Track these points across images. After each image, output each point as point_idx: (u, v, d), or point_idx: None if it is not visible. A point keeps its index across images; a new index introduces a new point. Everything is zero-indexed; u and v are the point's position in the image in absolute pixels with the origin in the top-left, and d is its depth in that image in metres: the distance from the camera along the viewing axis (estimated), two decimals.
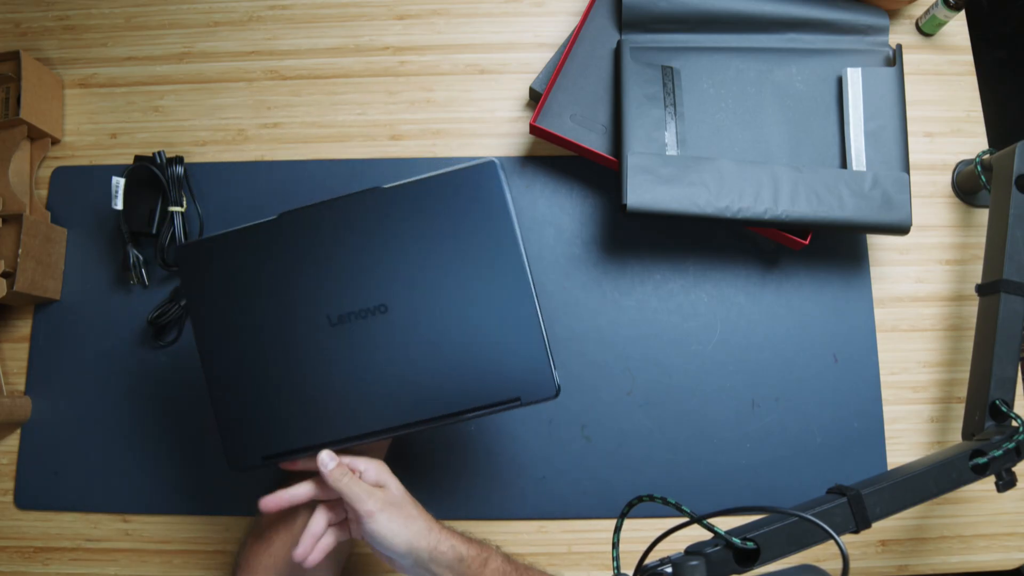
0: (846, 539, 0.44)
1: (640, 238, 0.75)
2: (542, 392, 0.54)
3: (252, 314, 0.56)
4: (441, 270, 0.54)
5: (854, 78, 0.72)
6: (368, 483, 0.54)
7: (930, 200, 0.76)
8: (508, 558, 0.57)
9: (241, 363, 0.56)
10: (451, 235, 0.54)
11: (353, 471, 0.54)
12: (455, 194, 0.54)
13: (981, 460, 0.55)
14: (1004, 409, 0.60)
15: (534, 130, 0.72)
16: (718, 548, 0.43)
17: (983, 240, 0.68)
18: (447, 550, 0.53)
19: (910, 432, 0.71)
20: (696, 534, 0.45)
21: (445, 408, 0.54)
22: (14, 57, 0.75)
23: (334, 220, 0.55)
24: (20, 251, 0.69)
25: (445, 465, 0.70)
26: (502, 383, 0.54)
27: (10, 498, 0.71)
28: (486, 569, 0.54)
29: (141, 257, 0.73)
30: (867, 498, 0.49)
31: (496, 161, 0.54)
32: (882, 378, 0.72)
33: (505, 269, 0.54)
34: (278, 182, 0.76)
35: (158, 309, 0.71)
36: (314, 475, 0.55)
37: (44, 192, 0.77)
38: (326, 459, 0.53)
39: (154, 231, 0.72)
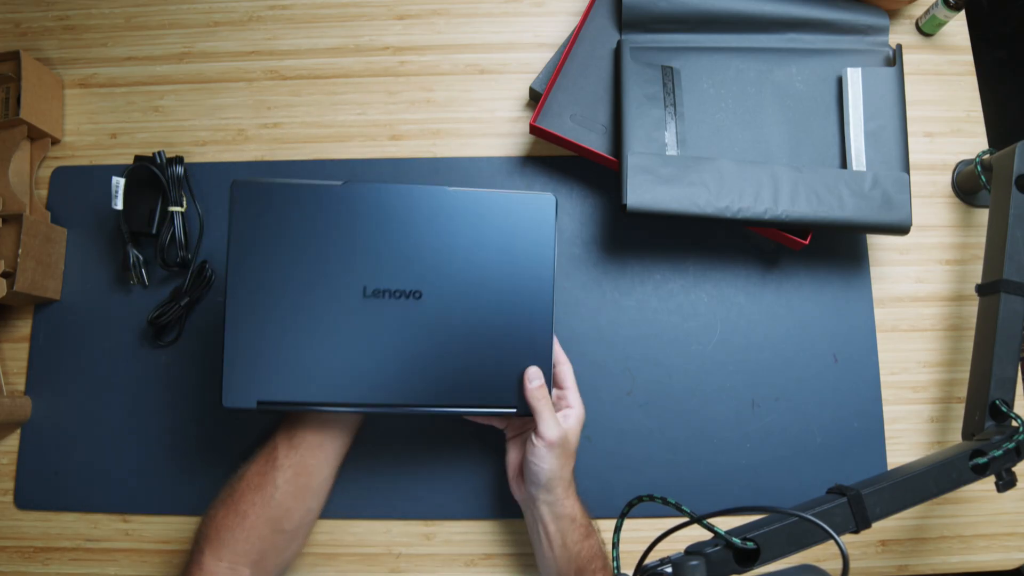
0: (846, 539, 0.44)
1: (640, 238, 0.75)
2: None
3: (290, 265, 0.58)
4: (478, 277, 0.59)
5: (854, 78, 0.72)
6: (561, 422, 0.59)
7: (930, 200, 0.76)
8: (602, 543, 0.61)
9: (264, 307, 0.58)
10: (495, 249, 0.59)
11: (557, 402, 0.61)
12: (509, 214, 0.59)
13: (981, 460, 0.55)
14: (1004, 409, 0.60)
15: (534, 130, 0.72)
16: (718, 548, 0.43)
17: (983, 240, 0.68)
18: (568, 507, 0.59)
19: (910, 432, 0.71)
20: (696, 534, 0.45)
21: (444, 399, 0.59)
22: (14, 57, 0.74)
23: (393, 203, 0.58)
24: (20, 251, 0.69)
25: (445, 464, 0.70)
26: (503, 391, 0.59)
27: (10, 498, 0.71)
28: (587, 540, 0.59)
29: (141, 257, 0.72)
30: (867, 498, 0.49)
31: (554, 199, 0.60)
32: (882, 378, 0.72)
33: (534, 295, 0.59)
34: None
35: (158, 309, 0.71)
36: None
37: (44, 192, 0.77)
38: (534, 375, 0.58)
39: (154, 231, 0.72)
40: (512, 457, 0.63)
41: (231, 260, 0.58)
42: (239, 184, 0.58)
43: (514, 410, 0.59)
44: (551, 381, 0.60)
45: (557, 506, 0.59)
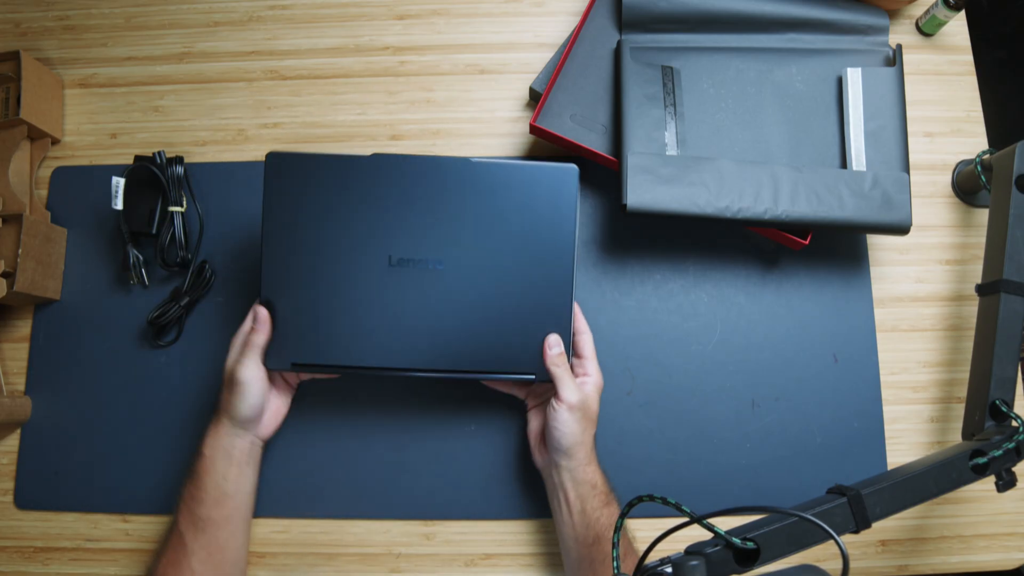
0: (846, 539, 0.44)
1: (640, 238, 0.75)
2: None
3: (320, 234, 0.60)
4: (501, 247, 0.61)
5: (854, 78, 0.72)
6: (579, 383, 0.61)
7: (930, 200, 0.76)
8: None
9: (296, 274, 0.61)
10: (517, 219, 0.61)
11: (575, 371, 0.62)
12: (533, 185, 0.61)
13: (981, 460, 0.55)
14: (1004, 409, 0.60)
15: (534, 130, 0.72)
16: (718, 548, 0.43)
17: (983, 240, 0.68)
18: (589, 473, 0.60)
19: (910, 432, 0.71)
20: (696, 534, 0.44)
21: (466, 365, 0.62)
22: (14, 57, 0.74)
23: (418, 175, 0.60)
24: (20, 251, 0.69)
25: (445, 464, 0.70)
26: (523, 359, 0.61)
27: (10, 498, 0.71)
28: (606, 508, 0.60)
29: (141, 257, 0.72)
30: (867, 498, 0.49)
31: (577, 169, 0.61)
32: (882, 378, 0.72)
33: (555, 265, 0.61)
34: None
35: (158, 309, 0.71)
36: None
37: (44, 192, 0.77)
38: (554, 342, 0.60)
39: (154, 231, 0.72)
40: (534, 425, 0.65)
41: (266, 229, 0.60)
42: (274, 156, 0.60)
43: (533, 376, 0.62)
44: (571, 349, 0.62)
45: (578, 472, 0.60)
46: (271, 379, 0.63)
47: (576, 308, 0.64)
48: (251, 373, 0.60)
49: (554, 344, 0.60)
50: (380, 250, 0.60)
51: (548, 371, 0.60)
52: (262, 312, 0.60)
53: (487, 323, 0.61)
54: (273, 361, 0.61)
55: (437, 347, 0.61)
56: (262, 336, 0.60)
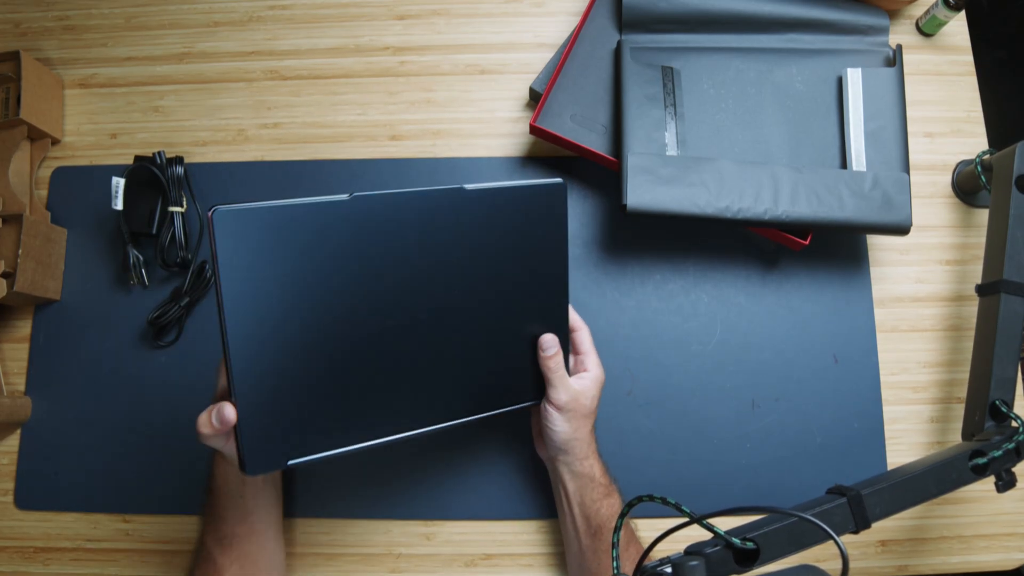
0: (846, 539, 0.44)
1: (640, 238, 0.75)
2: None
3: (296, 302, 0.49)
4: (495, 275, 0.56)
5: (854, 78, 0.72)
6: (575, 383, 0.60)
7: (930, 200, 0.76)
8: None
9: (274, 354, 0.49)
10: (511, 244, 0.56)
11: (573, 368, 0.62)
12: (522, 207, 0.56)
13: (981, 460, 0.55)
14: (1004, 409, 0.60)
15: (534, 130, 0.72)
16: (718, 548, 0.43)
17: (983, 240, 0.68)
18: (587, 467, 0.61)
19: (910, 432, 0.71)
20: (696, 534, 0.44)
21: (471, 409, 0.57)
22: (14, 57, 0.74)
23: (404, 211, 0.51)
24: (20, 251, 0.69)
25: (446, 465, 0.70)
26: (523, 387, 0.60)
27: (10, 498, 0.71)
28: (606, 500, 0.60)
29: (141, 257, 0.72)
30: (867, 498, 0.49)
31: (564, 183, 0.56)
32: (882, 378, 0.72)
33: (551, 280, 0.58)
34: (278, 182, 0.76)
35: (158, 309, 0.71)
36: None
37: (44, 192, 0.77)
38: (547, 343, 0.58)
39: (154, 231, 0.72)
40: (536, 420, 0.65)
41: (227, 311, 0.47)
42: (222, 215, 0.46)
43: (535, 402, 0.60)
44: (568, 348, 0.61)
45: (575, 465, 0.61)
46: None
47: (571, 309, 0.62)
48: (228, 470, 0.57)
49: (548, 346, 0.59)
50: (370, 309, 0.51)
51: (542, 372, 0.59)
52: (228, 413, 0.47)
53: (488, 359, 0.57)
54: (260, 465, 0.50)
55: (441, 398, 0.56)
56: (228, 444, 0.50)
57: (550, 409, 0.59)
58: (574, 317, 0.63)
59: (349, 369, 0.52)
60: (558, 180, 0.56)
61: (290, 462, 0.51)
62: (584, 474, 0.61)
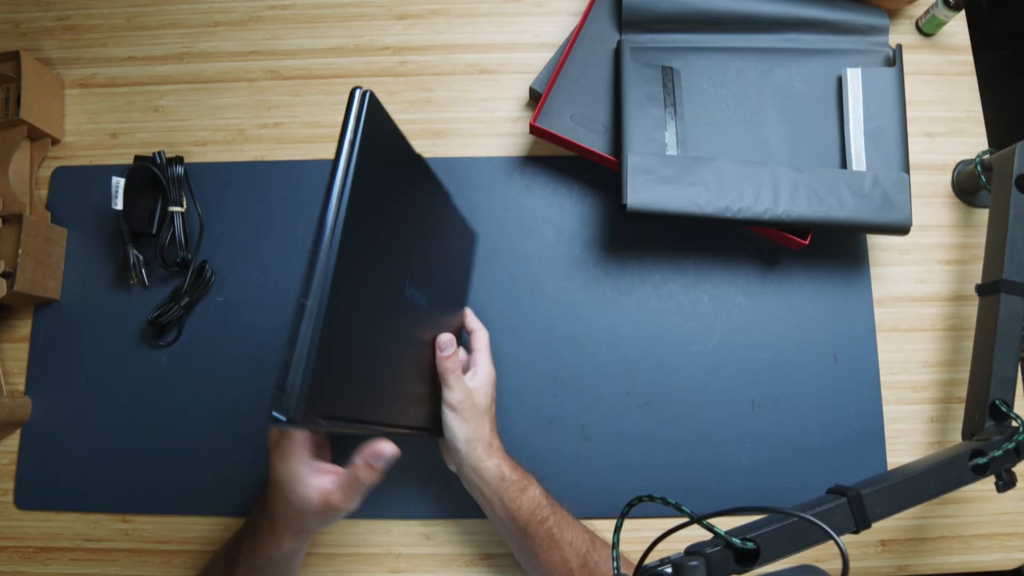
0: (846, 539, 0.44)
1: (640, 238, 0.75)
2: None
3: (404, 262, 0.51)
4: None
5: (854, 78, 0.72)
6: (468, 381, 0.60)
7: (930, 200, 0.76)
8: (546, 493, 0.61)
9: (359, 318, 0.45)
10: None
11: (465, 368, 0.62)
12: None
13: (981, 460, 0.55)
14: (1004, 409, 0.60)
15: (534, 130, 0.72)
16: (718, 548, 0.43)
17: (983, 240, 0.68)
18: (492, 467, 0.59)
19: (910, 432, 0.71)
20: (696, 534, 0.44)
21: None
22: (14, 57, 0.74)
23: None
24: (20, 251, 0.69)
25: (445, 464, 0.70)
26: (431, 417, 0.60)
27: (10, 498, 0.71)
28: (523, 495, 0.59)
29: (141, 257, 0.73)
30: (867, 498, 0.49)
31: (477, 233, 0.67)
32: (882, 378, 0.72)
33: (456, 302, 0.66)
34: (278, 182, 0.76)
35: (158, 309, 0.71)
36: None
37: (44, 192, 0.77)
38: (444, 343, 0.58)
39: (154, 231, 0.72)
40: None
41: (352, 204, 0.39)
42: (372, 96, 0.42)
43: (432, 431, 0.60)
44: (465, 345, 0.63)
45: (482, 468, 0.59)
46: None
47: (468, 311, 0.66)
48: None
49: (444, 346, 0.58)
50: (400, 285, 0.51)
51: (439, 372, 0.58)
52: (386, 448, 0.49)
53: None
54: (302, 414, 0.40)
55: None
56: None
57: (446, 410, 0.58)
58: (471, 319, 0.66)
59: (396, 344, 0.52)
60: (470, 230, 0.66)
61: (328, 417, 0.43)
62: (493, 474, 0.59)
